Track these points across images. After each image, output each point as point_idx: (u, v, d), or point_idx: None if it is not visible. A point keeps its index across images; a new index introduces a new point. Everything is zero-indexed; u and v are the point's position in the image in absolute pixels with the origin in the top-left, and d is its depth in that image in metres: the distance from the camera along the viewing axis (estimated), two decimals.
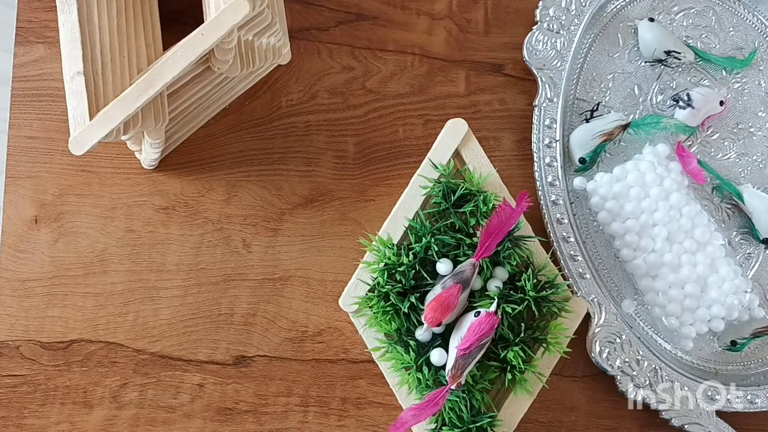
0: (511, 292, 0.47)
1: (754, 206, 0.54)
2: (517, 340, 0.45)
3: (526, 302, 0.46)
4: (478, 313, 0.44)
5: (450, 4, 0.58)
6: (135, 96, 0.42)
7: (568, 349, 0.47)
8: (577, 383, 0.53)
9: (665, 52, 0.56)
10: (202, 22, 0.43)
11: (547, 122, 0.54)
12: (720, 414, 0.51)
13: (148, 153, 0.51)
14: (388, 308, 0.46)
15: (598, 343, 0.51)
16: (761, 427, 0.53)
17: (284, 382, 0.52)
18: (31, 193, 0.53)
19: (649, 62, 0.57)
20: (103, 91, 0.44)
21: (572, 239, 0.52)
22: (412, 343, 0.46)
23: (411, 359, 0.45)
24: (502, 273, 0.47)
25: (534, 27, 0.56)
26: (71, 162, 0.53)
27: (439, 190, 0.48)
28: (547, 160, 0.54)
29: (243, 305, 0.52)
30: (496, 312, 0.44)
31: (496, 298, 0.45)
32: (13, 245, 0.52)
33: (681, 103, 0.55)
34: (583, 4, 0.56)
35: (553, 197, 0.53)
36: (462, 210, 0.47)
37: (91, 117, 0.42)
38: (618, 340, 0.51)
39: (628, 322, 0.52)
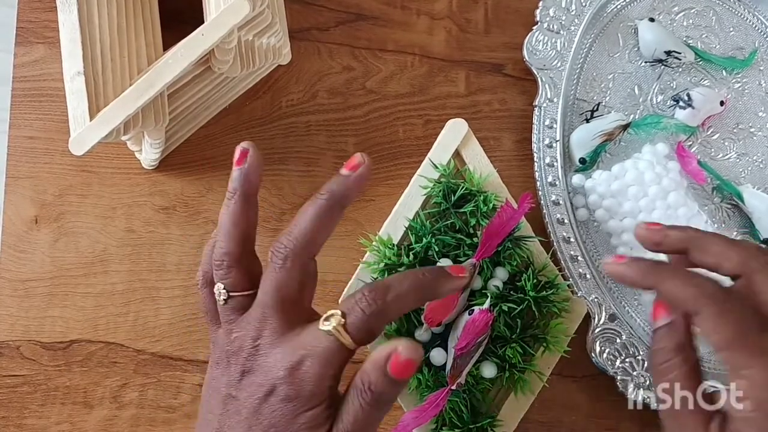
0: (511, 292, 0.47)
1: (754, 206, 0.54)
2: (514, 337, 0.45)
3: (526, 302, 0.46)
4: (473, 311, 0.44)
5: (450, 4, 0.58)
6: (135, 96, 0.42)
7: (568, 348, 0.47)
8: (577, 383, 0.53)
9: (665, 52, 0.56)
10: (202, 22, 0.43)
11: (547, 122, 0.54)
12: None
13: (148, 153, 0.51)
14: None
15: (598, 343, 0.51)
16: None
17: None
18: (31, 193, 0.53)
19: (650, 62, 0.57)
20: (103, 91, 0.44)
21: (573, 239, 0.52)
22: None
23: None
24: (502, 273, 0.47)
25: (534, 27, 0.56)
26: (71, 162, 0.53)
27: (440, 190, 0.48)
28: (548, 160, 0.54)
29: None
30: (490, 309, 0.44)
31: (489, 294, 0.45)
32: (13, 245, 0.52)
33: (681, 103, 0.55)
34: (583, 4, 0.56)
35: (554, 197, 0.53)
36: (462, 210, 0.47)
37: (91, 117, 0.42)
38: (618, 341, 0.51)
39: (628, 322, 0.52)
